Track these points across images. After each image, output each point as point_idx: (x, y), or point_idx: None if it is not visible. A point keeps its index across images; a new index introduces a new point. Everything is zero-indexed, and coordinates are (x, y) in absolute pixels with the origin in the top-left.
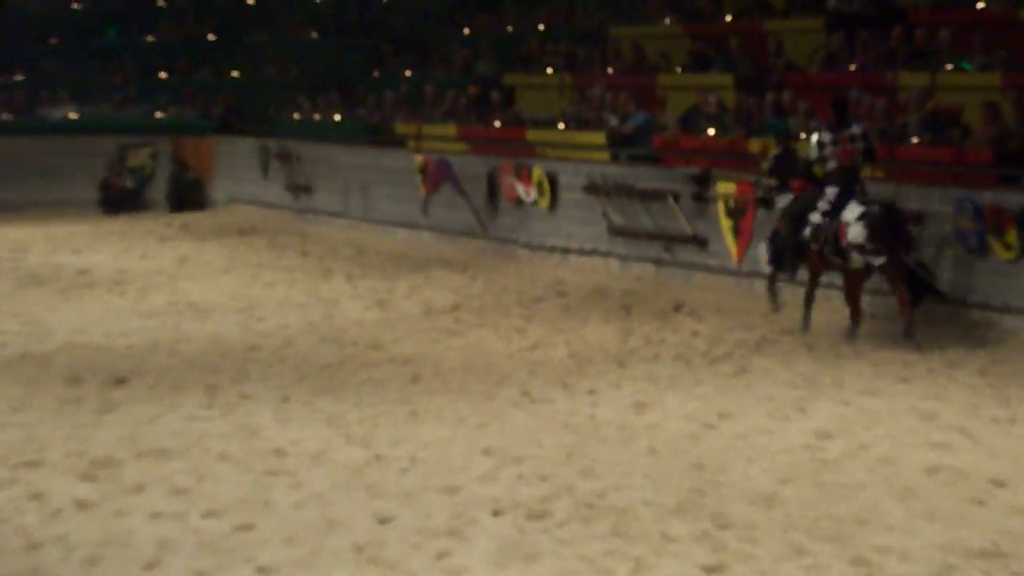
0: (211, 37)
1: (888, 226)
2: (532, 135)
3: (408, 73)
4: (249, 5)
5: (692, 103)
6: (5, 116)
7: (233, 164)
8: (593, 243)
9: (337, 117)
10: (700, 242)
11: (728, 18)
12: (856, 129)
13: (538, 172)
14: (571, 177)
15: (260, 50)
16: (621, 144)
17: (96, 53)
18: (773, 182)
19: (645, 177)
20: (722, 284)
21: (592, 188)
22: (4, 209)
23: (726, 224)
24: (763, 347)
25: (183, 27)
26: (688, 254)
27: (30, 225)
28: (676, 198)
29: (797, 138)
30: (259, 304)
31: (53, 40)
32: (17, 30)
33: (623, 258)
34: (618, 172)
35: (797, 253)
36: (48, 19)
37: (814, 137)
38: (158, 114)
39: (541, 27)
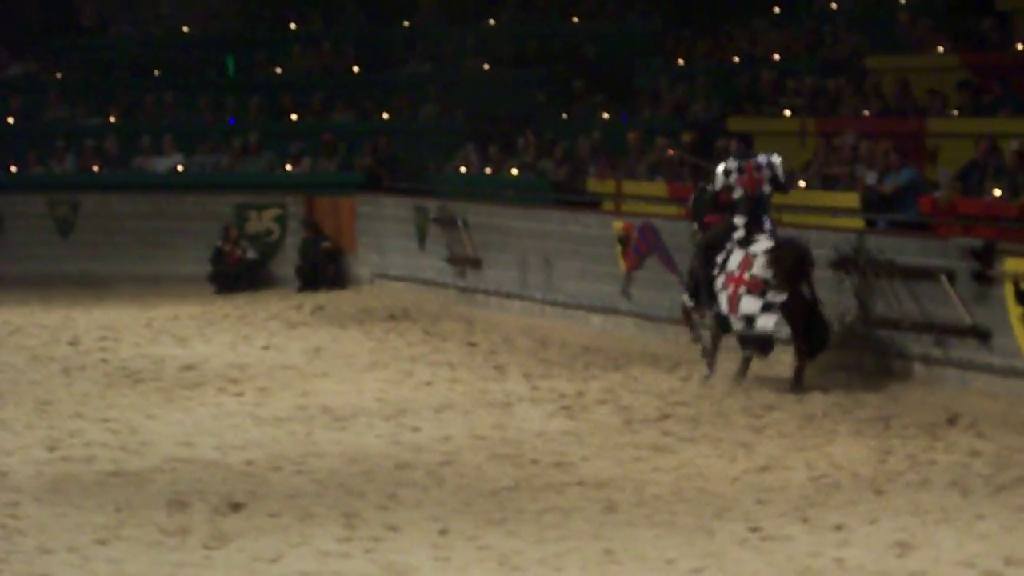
0: (355, 69)
1: (793, 264)
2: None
3: (605, 115)
4: (404, 29)
5: (972, 156)
6: (95, 168)
7: (381, 230)
8: (839, 334)
9: (514, 171)
10: (981, 335)
11: (1020, 46)
12: (762, 159)
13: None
14: (814, 249)
15: (417, 86)
16: (879, 207)
17: (210, 89)
18: (694, 225)
19: (910, 250)
20: (1010, 389)
21: (841, 263)
22: (92, 285)
23: (1016, 312)
24: None
25: (319, 56)
26: (965, 350)
27: (123, 306)
28: (950, 278)
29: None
30: (412, 409)
31: (156, 73)
32: (112, 61)
33: (880, 355)
34: (875, 243)
35: (711, 287)
36: (150, 47)
37: (720, 167)
38: (287, 166)
39: (776, 57)
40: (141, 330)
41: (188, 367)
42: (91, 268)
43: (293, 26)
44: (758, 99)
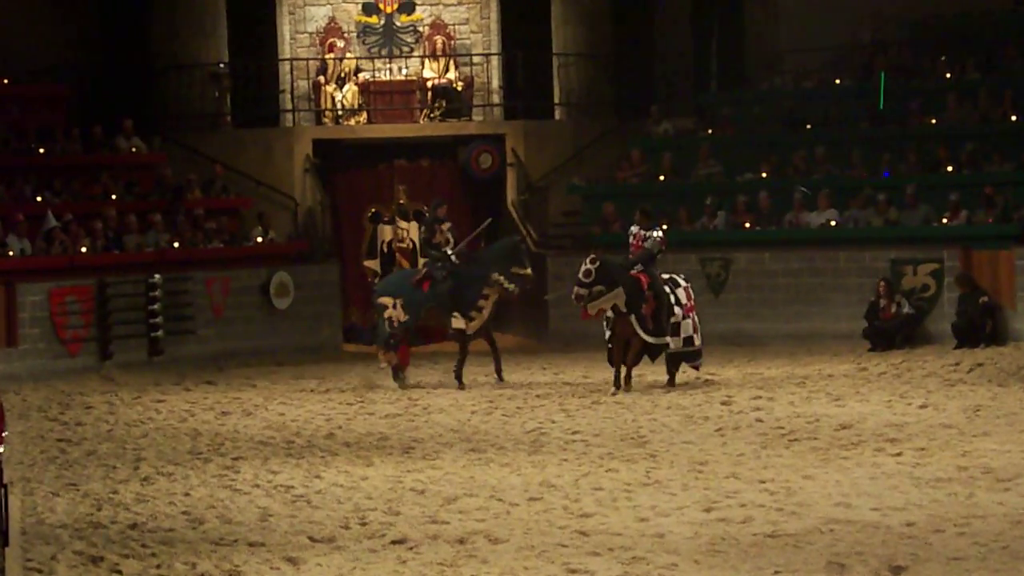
0: (1012, 118)
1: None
2: None
3: None
4: None
5: None
6: (747, 224)
7: None
8: None
9: None
10: None
11: None
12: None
13: None
14: None
15: None
16: None
17: (862, 143)
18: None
19: None
20: None
21: None
22: (744, 343)
23: None
24: None
25: (975, 106)
26: None
27: (776, 364)
28: None
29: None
30: None
31: (808, 127)
32: (763, 115)
33: None
34: None
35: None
36: (802, 100)
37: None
38: (943, 220)
39: None
40: (795, 388)
41: (844, 426)
42: (743, 326)
43: (948, 75)
44: None
